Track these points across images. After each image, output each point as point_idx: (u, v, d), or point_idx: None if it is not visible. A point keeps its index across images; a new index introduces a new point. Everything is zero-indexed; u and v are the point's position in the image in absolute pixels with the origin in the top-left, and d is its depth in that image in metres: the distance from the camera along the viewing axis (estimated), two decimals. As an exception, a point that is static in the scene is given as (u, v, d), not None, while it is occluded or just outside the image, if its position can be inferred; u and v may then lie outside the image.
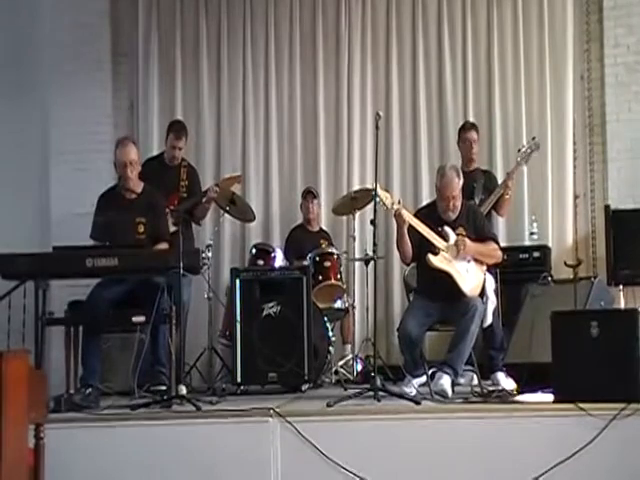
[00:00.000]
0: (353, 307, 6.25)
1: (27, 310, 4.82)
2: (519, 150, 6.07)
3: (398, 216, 4.86)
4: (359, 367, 6.04)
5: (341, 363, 6.07)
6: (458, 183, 5.01)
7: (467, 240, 4.94)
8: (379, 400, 4.45)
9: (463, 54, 7.06)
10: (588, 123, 6.91)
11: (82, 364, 4.98)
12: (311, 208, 6.65)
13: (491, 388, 4.96)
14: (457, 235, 4.99)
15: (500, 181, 6.12)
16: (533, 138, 6.14)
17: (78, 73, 6.99)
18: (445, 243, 4.95)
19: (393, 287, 6.87)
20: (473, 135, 6.06)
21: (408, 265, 5.34)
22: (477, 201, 5.80)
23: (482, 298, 4.99)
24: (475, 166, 6.08)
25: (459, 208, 5.06)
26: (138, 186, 5.29)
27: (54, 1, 7.04)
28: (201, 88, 7.24)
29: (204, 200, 5.93)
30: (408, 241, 4.93)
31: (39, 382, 3.17)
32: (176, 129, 6.16)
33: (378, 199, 4.82)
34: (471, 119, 6.72)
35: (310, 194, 6.71)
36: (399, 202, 4.94)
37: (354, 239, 6.35)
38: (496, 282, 5.33)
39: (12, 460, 2.73)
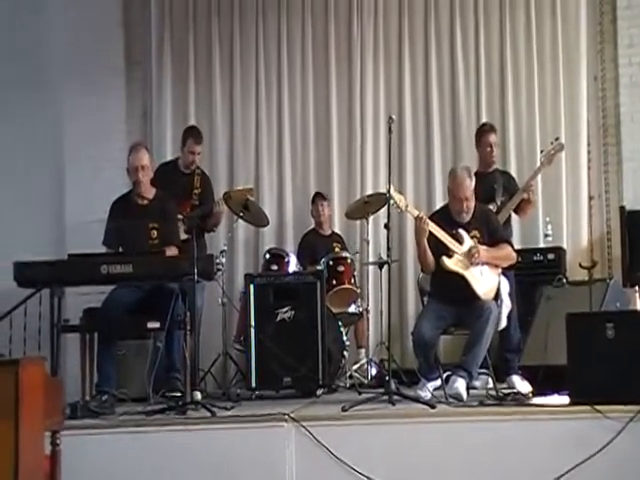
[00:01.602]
0: (367, 311, 6.25)
1: (43, 317, 4.85)
2: (542, 151, 6.04)
3: (424, 222, 4.83)
4: (373, 371, 6.04)
5: (355, 367, 6.06)
6: (470, 184, 5.00)
7: (480, 247, 4.92)
8: (394, 404, 4.46)
9: (476, 56, 7.05)
10: (602, 124, 6.89)
11: (97, 371, 4.99)
12: (321, 210, 6.66)
13: (506, 391, 4.93)
14: (472, 238, 4.98)
15: (519, 182, 6.08)
16: (557, 139, 6.08)
17: (92, 81, 7.03)
18: (460, 246, 4.93)
19: (407, 290, 6.85)
20: (493, 137, 5.97)
21: (429, 274, 5.28)
22: (498, 202, 5.76)
23: (497, 301, 4.97)
24: (494, 167, 6.04)
25: (472, 210, 5.05)
26: (150, 192, 5.32)
27: (67, 9, 7.08)
28: (214, 96, 7.27)
29: (215, 212, 5.95)
30: (430, 253, 4.91)
31: (55, 389, 3.19)
32: (195, 134, 6.17)
33: (392, 201, 4.82)
34: (484, 121, 6.70)
35: (319, 196, 6.72)
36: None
37: (368, 243, 6.35)
38: (511, 285, 5.31)
39: (29, 467, 2.75)
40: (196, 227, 5.24)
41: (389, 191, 4.82)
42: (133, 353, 5.63)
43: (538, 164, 6.04)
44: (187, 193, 5.99)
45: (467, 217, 5.04)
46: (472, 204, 5.03)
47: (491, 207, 5.62)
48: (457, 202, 5.01)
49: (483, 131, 6.05)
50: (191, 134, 6.18)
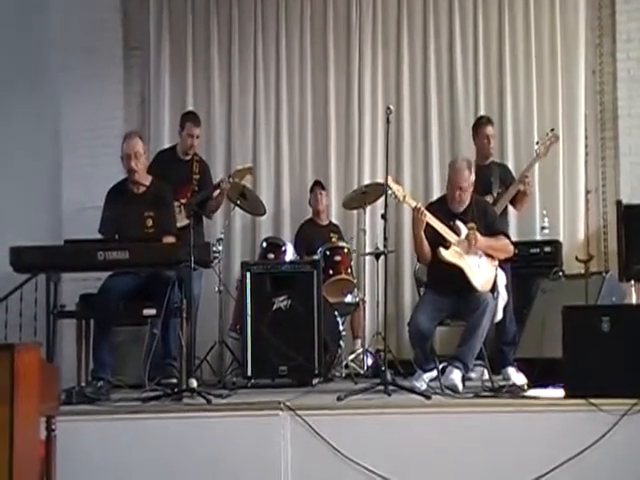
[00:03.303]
0: (363, 301, 6.26)
1: (38, 303, 4.85)
2: (537, 142, 6.03)
3: (421, 213, 4.83)
4: (369, 361, 6.04)
5: (351, 357, 6.07)
6: (468, 176, 5.00)
7: (478, 234, 4.93)
8: (389, 394, 4.46)
9: (474, 49, 7.04)
10: (600, 118, 6.88)
11: (93, 357, 4.99)
12: (320, 199, 6.66)
13: (502, 383, 4.96)
14: (469, 229, 4.98)
15: (515, 175, 6.08)
16: (552, 130, 6.09)
17: (90, 67, 7.03)
18: (457, 237, 4.94)
19: (404, 281, 6.86)
20: (490, 130, 5.98)
21: (426, 264, 5.29)
22: (495, 194, 5.76)
23: (493, 293, 4.97)
24: (491, 160, 6.04)
25: (467, 201, 5.05)
26: (145, 179, 5.30)
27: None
28: (212, 82, 7.25)
29: (217, 193, 5.93)
30: (427, 243, 4.92)
31: (51, 375, 3.19)
32: (193, 117, 6.17)
33: (390, 191, 4.82)
34: (482, 113, 6.70)
35: (318, 185, 6.72)
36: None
37: (365, 233, 6.35)
38: (507, 278, 5.32)
39: (24, 452, 2.75)
40: (194, 214, 5.24)
41: (387, 182, 4.82)
42: (130, 340, 5.63)
43: (534, 155, 6.03)
44: (187, 179, 5.97)
45: (460, 207, 5.04)
46: (466, 196, 5.03)
47: (488, 199, 5.62)
48: (452, 190, 5.03)
49: (480, 123, 6.06)
50: (189, 117, 6.18)
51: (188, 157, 6.10)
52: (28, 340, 4.70)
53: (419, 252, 5.01)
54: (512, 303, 5.42)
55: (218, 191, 5.91)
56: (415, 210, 4.86)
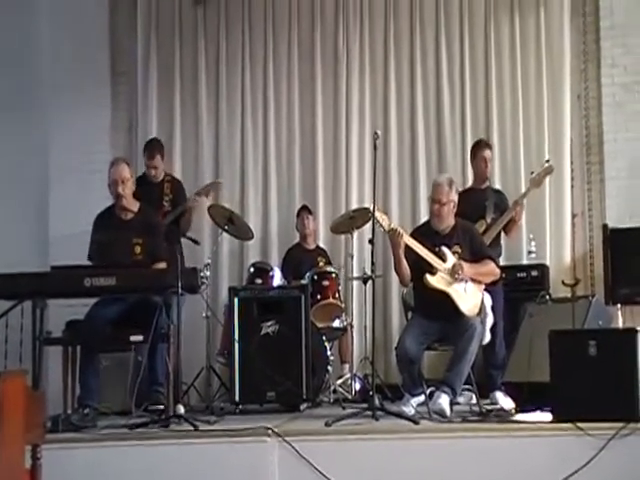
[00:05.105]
0: (351, 326, 6.25)
1: (24, 330, 4.81)
2: (532, 173, 6.05)
3: (397, 235, 4.85)
4: (357, 386, 6.03)
5: (339, 382, 6.05)
6: (448, 191, 5.05)
7: (464, 264, 4.93)
8: (377, 419, 4.46)
9: (461, 74, 7.09)
10: (585, 142, 6.94)
11: (80, 384, 4.96)
12: (307, 223, 6.67)
13: (489, 407, 4.96)
14: (453, 254, 4.99)
15: (510, 202, 6.11)
16: (547, 161, 6.12)
17: (77, 93, 7.03)
18: (443, 264, 4.94)
19: (391, 306, 6.86)
20: (487, 153, 6.01)
21: (407, 286, 5.33)
22: (489, 220, 5.77)
23: (480, 316, 4.98)
24: (487, 184, 6.07)
25: (448, 220, 5.06)
26: (133, 205, 5.30)
27: (54, 21, 7.09)
28: (200, 108, 7.27)
29: (186, 209, 6.01)
30: (406, 264, 4.93)
31: (36, 402, 3.16)
32: (148, 149, 6.29)
33: (375, 221, 4.83)
34: (469, 138, 6.75)
35: (305, 209, 6.74)
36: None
37: (352, 258, 6.35)
38: (498, 301, 5.33)
39: (9, 481, 2.72)
40: (171, 235, 5.26)
41: (373, 211, 4.83)
42: (116, 366, 5.59)
43: (528, 185, 6.05)
44: (158, 201, 6.05)
45: (441, 225, 5.07)
46: (445, 211, 5.04)
47: (481, 224, 5.65)
48: (431, 204, 5.09)
49: (479, 146, 6.10)
50: (145, 149, 6.32)
51: (159, 179, 6.15)
52: (14, 367, 4.66)
53: (398, 273, 5.02)
54: (502, 327, 5.42)
55: (186, 208, 6.04)
56: (391, 232, 4.87)
